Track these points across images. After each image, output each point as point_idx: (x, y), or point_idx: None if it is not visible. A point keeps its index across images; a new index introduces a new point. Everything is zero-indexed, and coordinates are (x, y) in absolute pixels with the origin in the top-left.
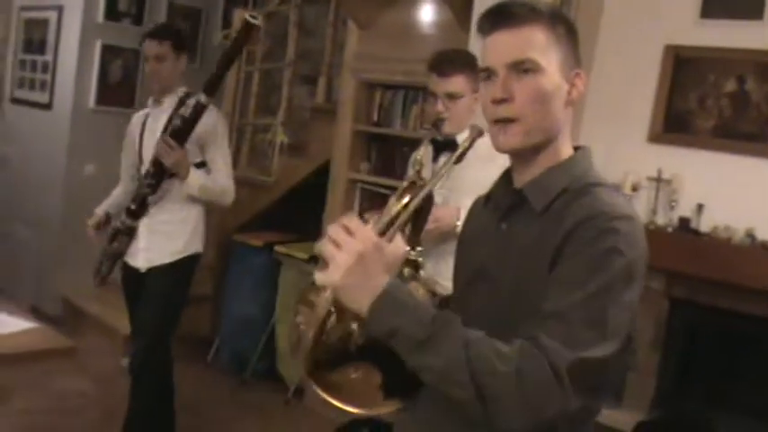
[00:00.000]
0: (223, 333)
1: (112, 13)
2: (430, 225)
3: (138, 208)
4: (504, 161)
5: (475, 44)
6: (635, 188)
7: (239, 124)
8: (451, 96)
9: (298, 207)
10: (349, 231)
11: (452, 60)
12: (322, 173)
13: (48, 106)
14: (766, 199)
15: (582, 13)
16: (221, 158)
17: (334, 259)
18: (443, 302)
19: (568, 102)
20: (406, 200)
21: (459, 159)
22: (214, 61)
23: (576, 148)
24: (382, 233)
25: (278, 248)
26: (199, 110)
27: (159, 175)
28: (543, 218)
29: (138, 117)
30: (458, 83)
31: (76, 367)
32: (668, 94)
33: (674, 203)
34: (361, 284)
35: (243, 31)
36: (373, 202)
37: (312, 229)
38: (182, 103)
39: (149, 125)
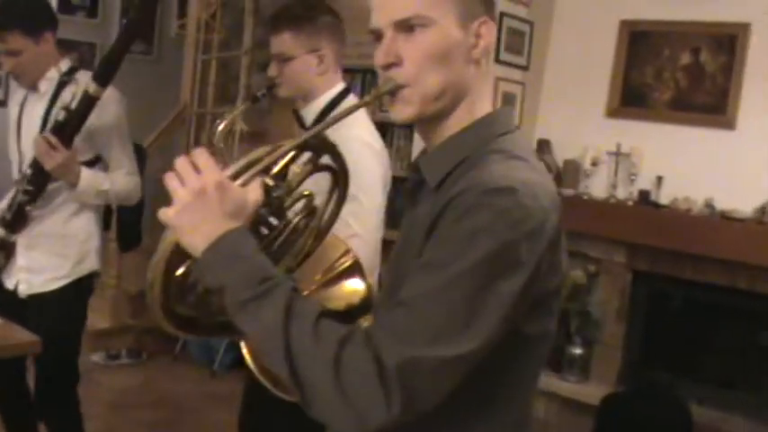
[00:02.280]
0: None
1: (66, 5)
2: None
3: (15, 219)
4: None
5: None
6: (594, 163)
7: (198, 114)
8: (280, 57)
9: None
10: (196, 167)
11: (279, 16)
12: None
13: (3, 103)
14: (724, 169)
15: None
16: (125, 155)
17: (175, 194)
18: None
19: (474, 56)
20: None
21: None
22: (171, 52)
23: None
24: (235, 176)
25: None
26: (88, 103)
27: (40, 181)
28: (438, 194)
29: (15, 97)
30: (284, 42)
31: None
32: (625, 68)
33: (633, 177)
34: (196, 226)
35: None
36: None
37: None
38: (62, 85)
39: (27, 111)
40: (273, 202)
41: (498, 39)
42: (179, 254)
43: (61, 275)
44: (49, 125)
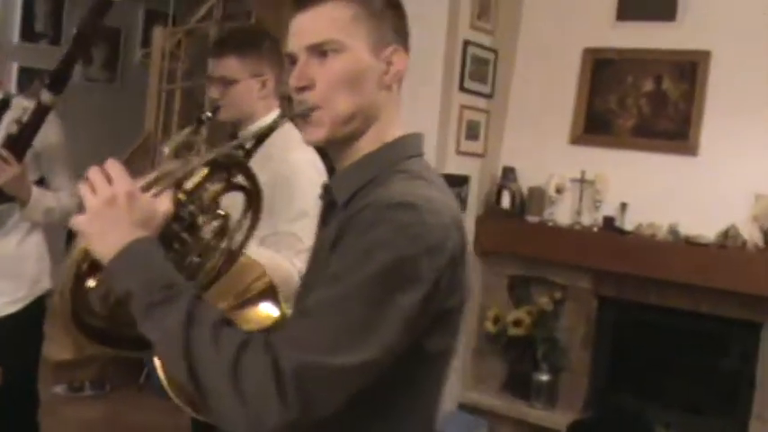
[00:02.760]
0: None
1: (29, 33)
2: None
3: None
4: (279, 162)
5: None
6: (559, 190)
7: (162, 143)
8: (223, 80)
9: None
10: (108, 177)
11: (224, 40)
12: None
13: None
14: (687, 195)
15: (501, 18)
16: (68, 177)
17: (86, 202)
18: None
19: (386, 82)
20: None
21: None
22: (135, 81)
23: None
24: (146, 187)
25: None
26: (42, 112)
27: None
28: (344, 211)
29: None
30: (229, 66)
31: None
32: (588, 95)
33: (598, 203)
34: (106, 233)
35: (95, 11)
36: None
37: None
38: (4, 106)
39: None
40: (186, 218)
41: (463, 67)
42: (90, 262)
43: (19, 297)
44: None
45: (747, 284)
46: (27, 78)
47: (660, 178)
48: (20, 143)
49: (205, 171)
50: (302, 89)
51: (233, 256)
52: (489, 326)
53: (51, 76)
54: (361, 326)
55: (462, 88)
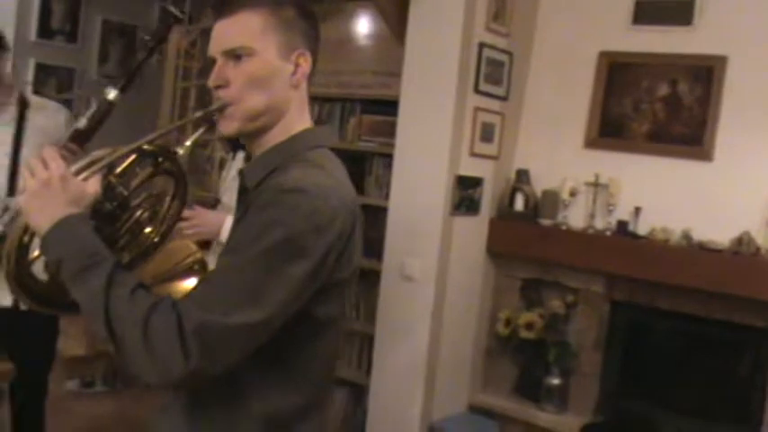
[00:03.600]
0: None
1: (45, 30)
2: (189, 230)
3: None
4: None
5: (410, 54)
6: (573, 193)
7: (176, 140)
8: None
9: None
10: (45, 163)
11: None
12: None
13: None
14: (701, 200)
15: (517, 20)
16: None
17: (26, 184)
18: None
19: (293, 82)
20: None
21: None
22: (150, 79)
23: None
24: (78, 171)
25: None
26: (108, 109)
27: None
28: (250, 196)
29: None
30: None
31: None
32: (603, 99)
33: (611, 207)
34: (42, 210)
35: (164, 22)
36: None
37: None
38: (23, 106)
39: None
40: (117, 197)
41: (478, 69)
42: (31, 234)
43: None
44: (26, 150)
45: (761, 291)
46: (44, 74)
47: (674, 183)
48: (85, 137)
49: (133, 157)
50: (219, 87)
51: (163, 234)
52: (501, 328)
53: (126, 78)
54: (254, 291)
55: (477, 90)
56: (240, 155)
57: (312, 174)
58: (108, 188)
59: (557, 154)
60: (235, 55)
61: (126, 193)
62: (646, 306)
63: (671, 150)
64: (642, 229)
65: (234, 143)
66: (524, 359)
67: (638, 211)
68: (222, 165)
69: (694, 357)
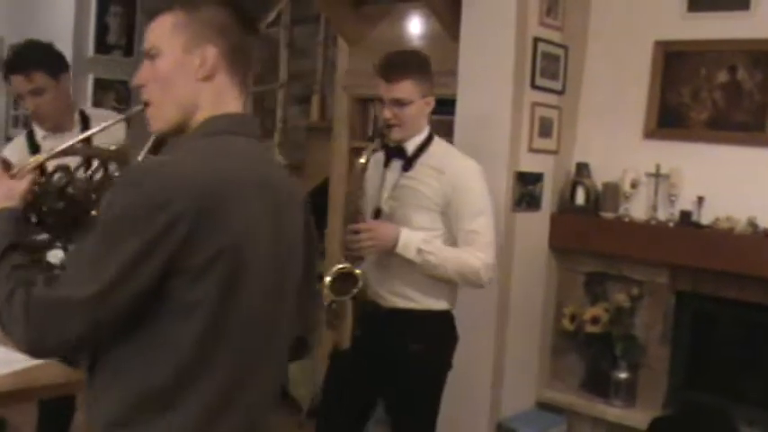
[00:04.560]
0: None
1: (102, 46)
2: (367, 242)
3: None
4: (453, 172)
5: (465, 52)
6: (634, 185)
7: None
8: (398, 102)
9: None
10: None
11: (399, 65)
12: (321, 192)
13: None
14: (765, 187)
15: (570, 13)
16: None
17: None
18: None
19: (201, 75)
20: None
21: (408, 167)
22: None
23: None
24: (13, 173)
25: None
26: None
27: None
28: None
29: (22, 146)
30: (404, 88)
31: None
32: (661, 89)
33: (673, 198)
34: None
35: None
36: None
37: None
38: (85, 122)
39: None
40: (51, 188)
41: (533, 64)
42: None
43: None
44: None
45: None
46: (102, 89)
47: (737, 171)
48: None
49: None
50: (139, 87)
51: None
52: (566, 323)
53: None
54: (88, 268)
55: (534, 86)
56: (397, 163)
57: (163, 161)
58: (42, 183)
59: (616, 146)
60: (149, 55)
61: (64, 184)
62: (711, 296)
63: (732, 137)
64: (706, 218)
65: (389, 150)
66: (591, 354)
67: (700, 200)
68: None
69: (762, 347)
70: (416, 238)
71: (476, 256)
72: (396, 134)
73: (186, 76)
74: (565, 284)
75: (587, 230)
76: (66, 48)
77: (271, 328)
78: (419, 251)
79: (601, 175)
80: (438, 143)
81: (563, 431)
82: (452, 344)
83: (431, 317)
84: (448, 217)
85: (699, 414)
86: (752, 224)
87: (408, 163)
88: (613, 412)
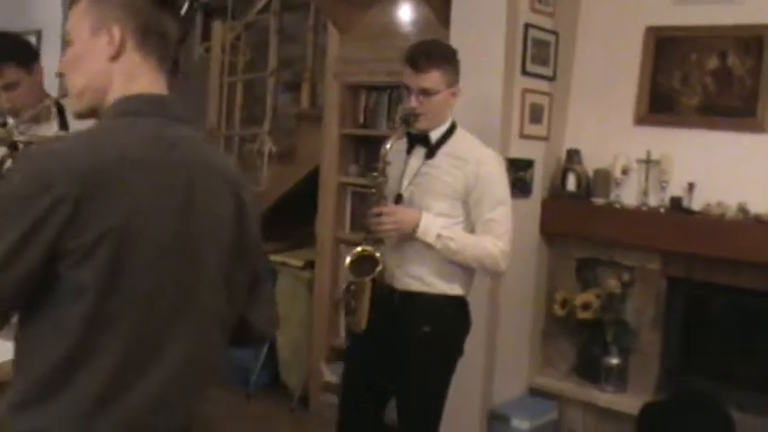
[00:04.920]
0: (240, 348)
1: None
2: (389, 226)
3: None
4: (476, 161)
5: (455, 39)
6: (625, 171)
7: (226, 135)
8: (426, 92)
9: (290, 215)
10: None
11: (428, 54)
12: (312, 179)
13: None
14: (756, 173)
15: (561, 0)
16: None
17: None
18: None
19: (108, 56)
20: None
21: (430, 155)
22: (197, 75)
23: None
24: None
25: (273, 257)
26: None
27: None
28: None
29: None
30: (432, 78)
31: None
32: (652, 75)
33: (664, 184)
34: None
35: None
36: (364, 203)
37: (306, 236)
38: (62, 113)
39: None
40: None
41: (524, 50)
42: None
43: None
44: None
45: None
46: None
47: (727, 156)
48: None
49: None
50: (60, 75)
51: None
52: (557, 309)
53: None
54: None
55: (524, 72)
56: (420, 151)
57: (57, 143)
58: None
59: (607, 132)
60: (67, 43)
61: None
62: (703, 282)
63: (723, 123)
64: (696, 204)
65: (412, 138)
66: (582, 340)
67: (691, 186)
68: (270, 157)
69: (754, 331)
70: (437, 223)
71: (494, 243)
72: (421, 123)
73: (96, 59)
74: (556, 270)
75: (578, 216)
76: (55, 38)
77: (176, 311)
78: (439, 236)
79: (592, 162)
80: (461, 133)
81: (555, 417)
82: (465, 329)
83: (445, 301)
84: (468, 205)
85: (690, 399)
86: (742, 210)
87: (431, 151)
88: (605, 398)
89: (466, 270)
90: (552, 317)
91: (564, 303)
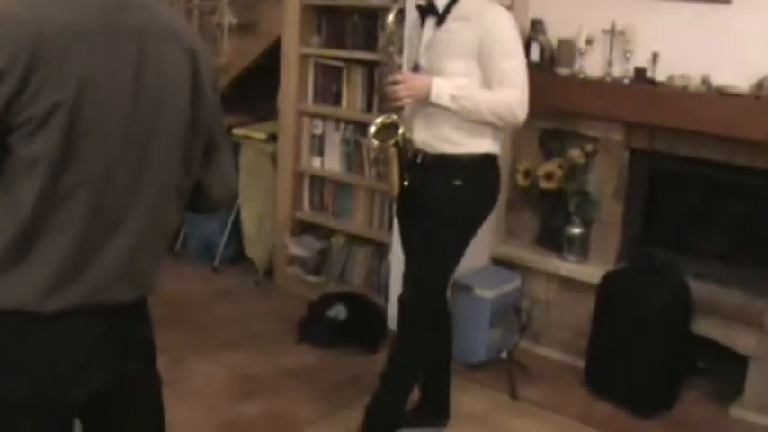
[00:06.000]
0: (189, 222)
1: None
2: (403, 92)
3: None
4: (484, 19)
5: None
6: (589, 41)
7: (185, 8)
8: None
9: (253, 88)
10: None
11: None
12: (274, 51)
13: None
14: (720, 45)
15: None
16: None
17: None
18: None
19: None
20: None
21: (440, 22)
22: None
23: None
24: None
25: (236, 131)
26: None
27: None
28: None
29: None
30: None
31: None
32: None
33: (628, 54)
34: None
35: None
36: (326, 74)
37: (269, 109)
38: None
39: None
40: None
41: None
42: None
43: None
44: None
45: None
46: None
47: (692, 28)
48: None
49: None
50: None
51: None
52: (520, 179)
53: None
54: None
55: None
56: (431, 20)
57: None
58: None
59: (572, 1)
60: None
61: None
62: (665, 153)
63: None
64: (660, 75)
65: (422, 9)
66: (545, 210)
67: (655, 57)
68: (230, 30)
69: (715, 203)
70: (449, 85)
71: (508, 94)
72: None
73: None
74: (519, 141)
75: (542, 87)
76: None
77: (132, 183)
78: (452, 97)
79: (556, 32)
80: None
81: (517, 286)
82: (495, 186)
83: (476, 158)
84: (481, 62)
85: (649, 268)
86: (705, 82)
87: (441, 18)
88: (567, 267)
89: (493, 128)
90: (515, 187)
91: (527, 174)
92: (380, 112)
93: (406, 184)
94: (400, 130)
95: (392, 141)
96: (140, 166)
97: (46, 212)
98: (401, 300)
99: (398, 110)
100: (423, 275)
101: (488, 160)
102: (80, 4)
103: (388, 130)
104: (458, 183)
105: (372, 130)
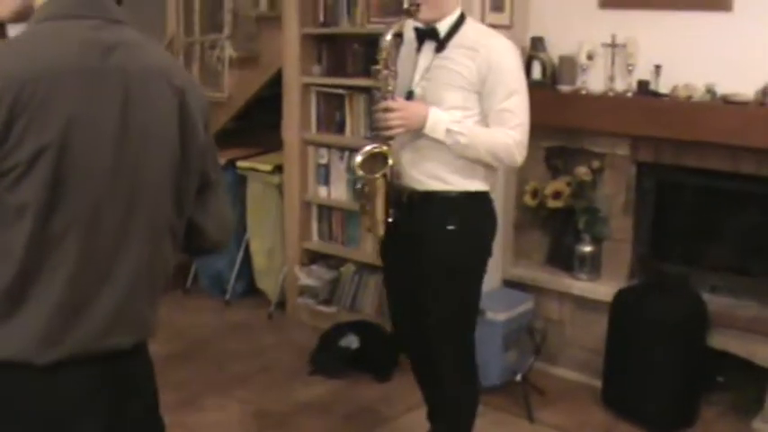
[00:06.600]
0: (199, 258)
1: None
2: (396, 121)
3: None
4: (487, 50)
5: None
6: (590, 56)
7: (186, 43)
8: None
9: (256, 120)
10: None
11: None
12: (276, 82)
13: None
14: (723, 53)
15: None
16: None
17: None
18: (410, 195)
19: None
20: None
21: (440, 48)
22: None
23: None
24: None
25: (240, 164)
26: None
27: None
28: None
29: None
30: None
31: None
32: None
33: (631, 67)
34: None
35: None
36: (329, 103)
37: (273, 141)
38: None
39: None
40: None
41: None
42: None
43: None
44: None
45: None
46: None
47: (693, 37)
48: None
49: None
50: None
51: None
52: (528, 200)
53: None
54: None
55: None
56: (430, 45)
57: None
58: None
59: (571, 17)
60: None
61: None
62: (672, 166)
63: (688, 3)
64: (664, 87)
65: (420, 34)
66: (554, 229)
67: (658, 69)
68: (232, 63)
69: (725, 213)
70: (446, 117)
71: (507, 134)
72: (424, 13)
73: None
74: (525, 160)
75: (545, 105)
76: None
77: (122, 227)
78: (448, 131)
79: (557, 49)
80: (471, 23)
81: (530, 308)
82: (491, 226)
83: (467, 199)
84: (482, 97)
85: (662, 284)
86: (709, 91)
87: (441, 44)
88: (579, 286)
89: (486, 165)
90: (523, 207)
91: (534, 193)
92: (368, 139)
93: (390, 220)
94: (389, 162)
95: (380, 173)
96: (130, 207)
97: (37, 258)
98: (444, 390)
99: (388, 139)
100: (458, 347)
101: (480, 198)
102: (63, 43)
103: (375, 160)
104: (451, 227)
105: (359, 159)
